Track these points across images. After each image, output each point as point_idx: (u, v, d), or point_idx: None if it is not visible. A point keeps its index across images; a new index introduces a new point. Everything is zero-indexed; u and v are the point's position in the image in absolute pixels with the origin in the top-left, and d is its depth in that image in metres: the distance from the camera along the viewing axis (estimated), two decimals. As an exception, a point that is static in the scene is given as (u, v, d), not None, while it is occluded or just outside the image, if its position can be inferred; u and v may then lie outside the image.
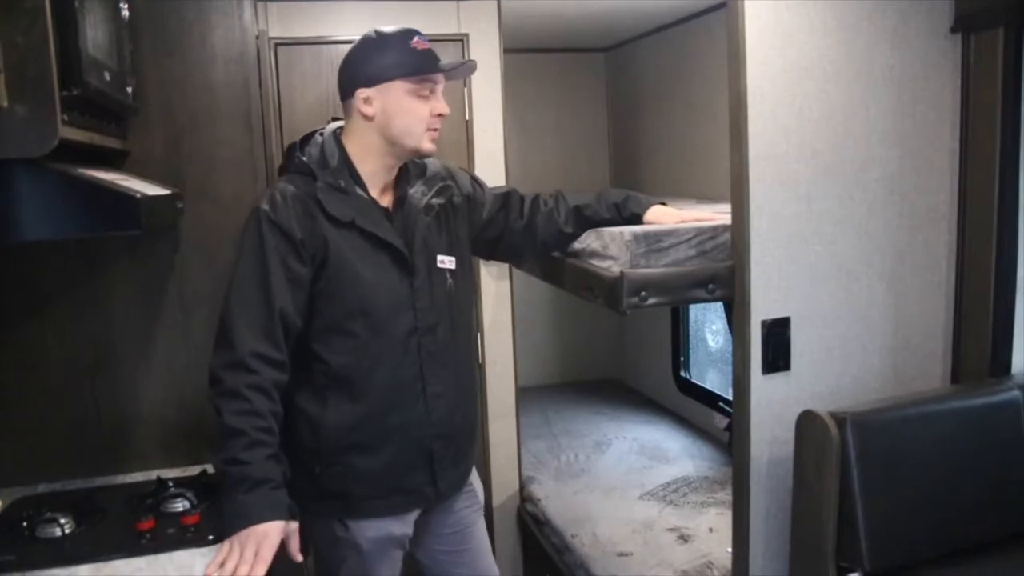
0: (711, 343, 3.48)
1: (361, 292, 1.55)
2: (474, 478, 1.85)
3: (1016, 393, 1.79)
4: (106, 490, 1.79)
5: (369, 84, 1.55)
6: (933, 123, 1.87)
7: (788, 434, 1.78)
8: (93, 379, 1.85)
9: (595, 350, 4.15)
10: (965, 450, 1.74)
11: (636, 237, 1.71)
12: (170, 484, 1.71)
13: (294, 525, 1.44)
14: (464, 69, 1.65)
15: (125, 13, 1.63)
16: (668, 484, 2.81)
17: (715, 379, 3.41)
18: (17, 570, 1.41)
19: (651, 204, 1.87)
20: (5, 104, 1.14)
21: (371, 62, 1.55)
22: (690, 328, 3.56)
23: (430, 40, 1.59)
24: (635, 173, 3.71)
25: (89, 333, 1.84)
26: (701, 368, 3.54)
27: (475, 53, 2.64)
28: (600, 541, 2.47)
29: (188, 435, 1.89)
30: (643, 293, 1.71)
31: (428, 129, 1.58)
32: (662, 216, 1.84)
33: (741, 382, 1.82)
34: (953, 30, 1.84)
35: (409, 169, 1.68)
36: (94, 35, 1.36)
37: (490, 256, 2.00)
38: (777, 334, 1.80)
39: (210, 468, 1.80)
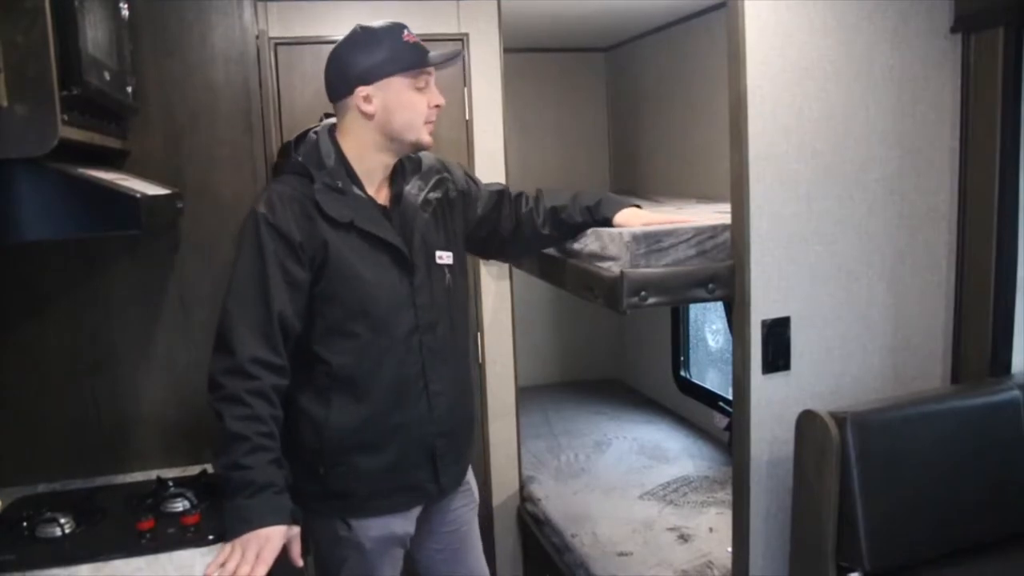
0: (711, 343, 3.48)
1: (362, 292, 1.55)
2: (470, 476, 1.85)
3: (1016, 393, 1.79)
4: (106, 490, 1.79)
5: (368, 81, 1.54)
6: (933, 123, 1.87)
7: (788, 434, 1.78)
8: (93, 379, 1.85)
9: (595, 350, 4.15)
10: (965, 450, 1.74)
11: (636, 237, 1.71)
12: (170, 484, 1.71)
13: (296, 530, 1.43)
14: (452, 59, 1.63)
15: (125, 13, 1.63)
16: (668, 484, 2.81)
17: (715, 379, 3.41)
18: (17, 570, 1.41)
19: (624, 206, 1.86)
20: (5, 104, 1.13)
21: (366, 59, 1.54)
22: (690, 328, 3.55)
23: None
24: (635, 173, 3.71)
25: (89, 333, 1.84)
26: (701, 368, 3.53)
27: (475, 53, 2.65)
28: (600, 541, 2.47)
29: (188, 435, 1.89)
30: (643, 293, 1.71)
31: (426, 122, 1.59)
32: (630, 219, 1.84)
33: (741, 382, 1.82)
34: (953, 30, 1.84)
35: (404, 164, 1.67)
36: (94, 35, 1.36)
37: (478, 253, 2.00)
38: (777, 334, 1.80)
39: (210, 468, 1.80)
